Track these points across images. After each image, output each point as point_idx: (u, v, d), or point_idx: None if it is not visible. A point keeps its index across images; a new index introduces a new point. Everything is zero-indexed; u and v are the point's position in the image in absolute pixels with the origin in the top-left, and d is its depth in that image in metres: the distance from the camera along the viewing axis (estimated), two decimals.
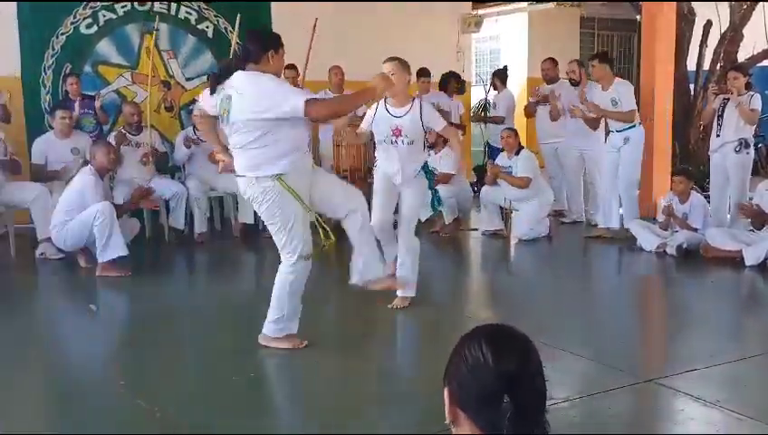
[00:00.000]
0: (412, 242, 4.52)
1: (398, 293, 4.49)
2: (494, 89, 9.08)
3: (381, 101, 4.51)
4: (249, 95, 3.46)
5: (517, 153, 6.88)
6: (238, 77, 3.52)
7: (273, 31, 3.74)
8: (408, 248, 4.48)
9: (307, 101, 3.37)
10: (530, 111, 8.04)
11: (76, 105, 6.89)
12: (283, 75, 7.76)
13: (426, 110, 4.52)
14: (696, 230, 6.04)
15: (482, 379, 1.32)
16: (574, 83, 7.30)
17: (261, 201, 3.56)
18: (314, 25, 6.69)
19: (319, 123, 7.79)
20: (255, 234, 6.97)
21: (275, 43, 3.63)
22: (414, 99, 4.55)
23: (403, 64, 4.42)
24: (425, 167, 4.59)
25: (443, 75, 8.42)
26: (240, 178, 3.63)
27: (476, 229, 7.26)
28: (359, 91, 3.89)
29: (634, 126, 6.54)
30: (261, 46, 3.58)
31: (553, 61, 7.70)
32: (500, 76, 8.93)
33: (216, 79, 3.62)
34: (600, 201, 7.06)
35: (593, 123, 6.93)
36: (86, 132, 6.83)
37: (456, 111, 8.33)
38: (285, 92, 3.48)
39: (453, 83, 8.41)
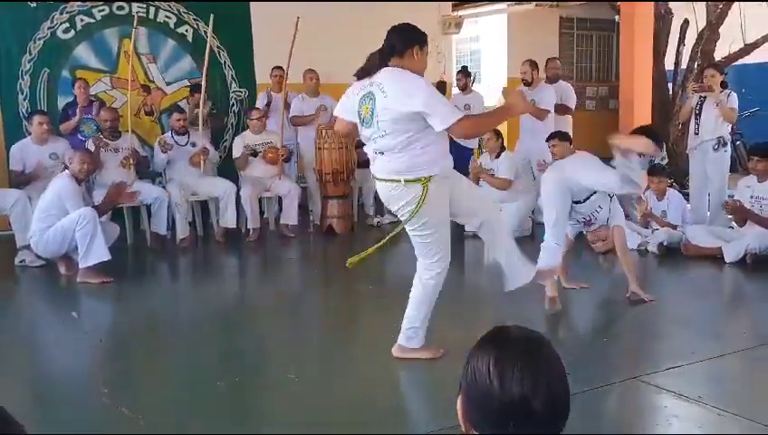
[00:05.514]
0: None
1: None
2: (463, 90, 8.75)
3: None
4: (393, 92, 3.21)
5: (498, 155, 6.93)
6: (382, 74, 3.30)
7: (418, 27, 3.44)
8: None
9: (459, 120, 3.15)
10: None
11: (78, 110, 6.85)
12: (269, 75, 7.79)
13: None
14: (674, 227, 6.09)
15: (488, 401, 1.14)
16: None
17: (406, 205, 3.31)
18: (296, 24, 6.68)
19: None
20: (238, 238, 6.95)
21: (420, 38, 3.39)
22: None
23: None
24: None
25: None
26: (383, 183, 3.38)
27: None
28: (498, 111, 3.91)
29: None
30: (406, 39, 3.35)
31: (532, 63, 7.57)
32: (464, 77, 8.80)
33: (361, 75, 3.39)
34: None
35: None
36: (87, 137, 6.74)
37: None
38: (437, 103, 3.21)
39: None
